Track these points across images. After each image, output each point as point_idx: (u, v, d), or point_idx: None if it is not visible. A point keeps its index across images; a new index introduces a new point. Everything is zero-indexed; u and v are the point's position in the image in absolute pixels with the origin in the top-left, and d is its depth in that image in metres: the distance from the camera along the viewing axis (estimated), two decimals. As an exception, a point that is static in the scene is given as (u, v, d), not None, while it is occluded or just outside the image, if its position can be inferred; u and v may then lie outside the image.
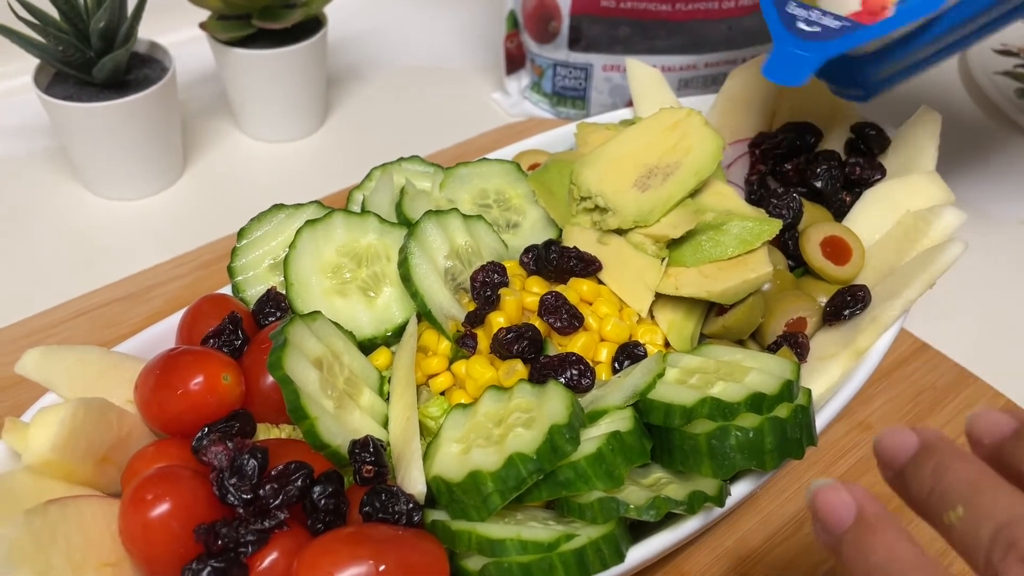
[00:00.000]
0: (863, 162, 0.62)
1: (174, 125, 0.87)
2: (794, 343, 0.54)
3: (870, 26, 0.51)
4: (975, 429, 0.36)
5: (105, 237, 0.83)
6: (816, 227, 0.58)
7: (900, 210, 0.59)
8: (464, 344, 0.53)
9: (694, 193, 0.57)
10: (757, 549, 0.60)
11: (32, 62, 0.83)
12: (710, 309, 0.57)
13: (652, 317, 0.56)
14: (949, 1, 0.51)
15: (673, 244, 0.56)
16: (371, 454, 0.44)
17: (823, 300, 0.57)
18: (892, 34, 0.53)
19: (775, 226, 0.55)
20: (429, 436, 0.50)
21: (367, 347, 0.53)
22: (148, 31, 0.85)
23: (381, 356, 0.54)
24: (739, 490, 0.47)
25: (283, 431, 0.49)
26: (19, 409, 0.64)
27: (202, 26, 0.87)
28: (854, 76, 0.60)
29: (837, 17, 0.51)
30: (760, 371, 0.48)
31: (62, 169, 0.90)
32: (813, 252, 0.58)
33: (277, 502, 0.41)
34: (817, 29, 0.51)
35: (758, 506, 0.62)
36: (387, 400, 0.51)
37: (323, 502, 0.42)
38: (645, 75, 0.66)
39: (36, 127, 0.94)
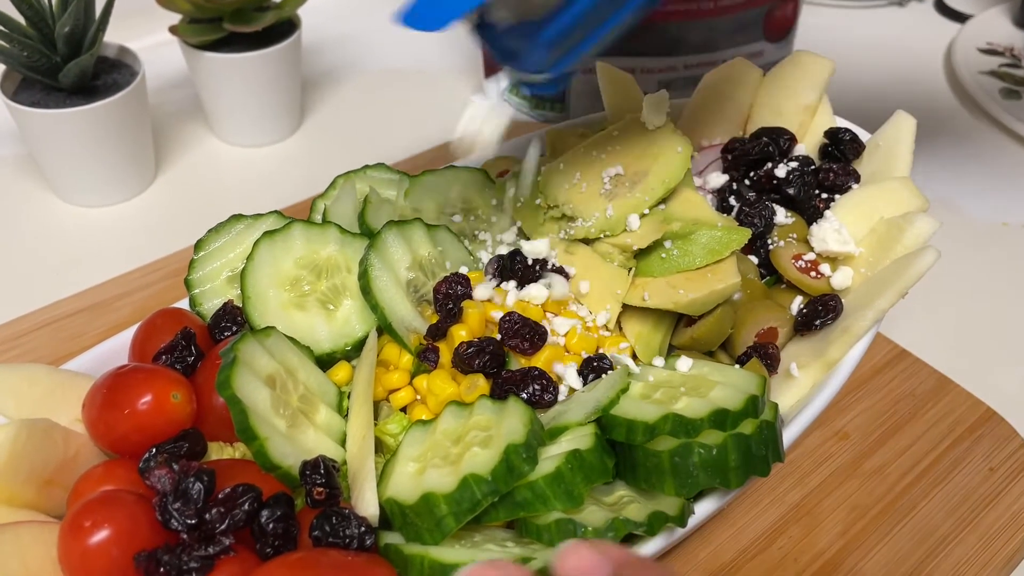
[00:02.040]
0: (837, 168, 0.60)
1: (144, 130, 0.86)
2: (764, 354, 0.53)
3: None
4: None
5: (75, 245, 0.82)
6: (789, 245, 0.58)
7: (874, 217, 0.58)
8: (426, 358, 0.52)
9: (662, 201, 0.56)
10: (729, 563, 0.59)
11: (-2, 68, 0.81)
12: (679, 320, 0.56)
13: (619, 328, 0.55)
14: None
15: (641, 254, 0.55)
16: (322, 475, 0.43)
17: (795, 309, 0.56)
18: None
19: (744, 235, 0.54)
20: (388, 453, 0.48)
21: (326, 362, 0.52)
22: (118, 36, 0.84)
23: (341, 371, 0.52)
24: (704, 508, 0.46)
25: (237, 450, 0.48)
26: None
27: (172, 30, 0.86)
28: (532, 55, 0.49)
29: None
30: (725, 385, 0.47)
31: (31, 176, 0.88)
32: (787, 265, 0.57)
33: (223, 527, 0.40)
34: None
35: (731, 519, 0.61)
36: (346, 417, 0.49)
37: (271, 526, 0.40)
38: (616, 79, 0.65)
39: (4, 133, 0.93)
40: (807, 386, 0.53)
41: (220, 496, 0.41)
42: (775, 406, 0.47)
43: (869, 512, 0.61)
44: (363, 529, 0.42)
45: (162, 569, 0.38)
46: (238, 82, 0.87)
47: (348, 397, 0.51)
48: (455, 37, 1.09)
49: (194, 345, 0.50)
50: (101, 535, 0.38)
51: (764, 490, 0.63)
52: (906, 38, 1.12)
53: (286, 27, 0.88)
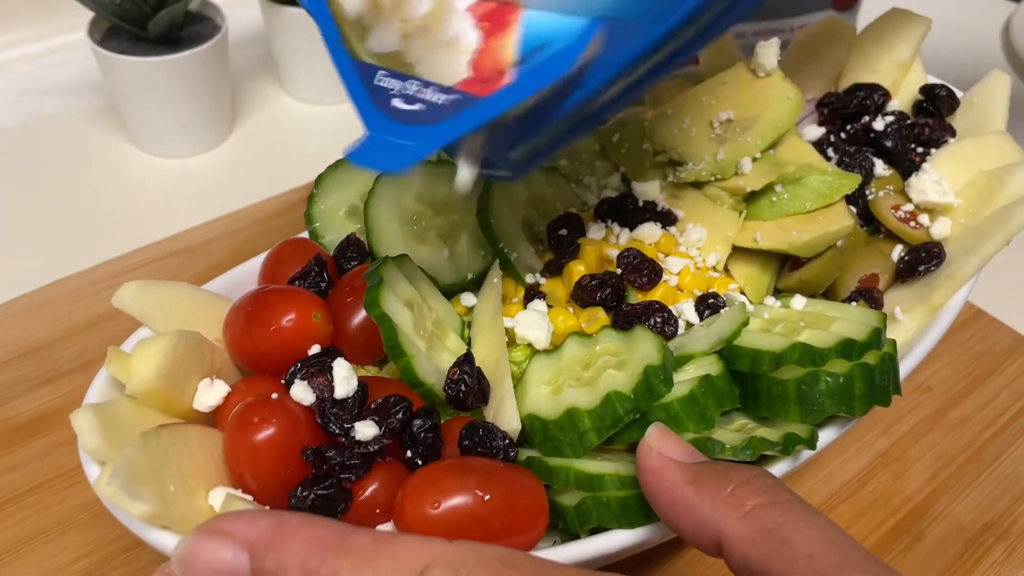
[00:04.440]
0: (932, 123, 0.62)
1: (224, 84, 0.87)
2: (869, 298, 0.55)
3: (487, 98, 0.36)
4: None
5: (154, 194, 0.83)
6: (888, 196, 0.59)
7: (972, 170, 0.59)
8: (542, 294, 0.53)
9: (771, 147, 0.57)
10: (820, 505, 0.60)
11: (83, 18, 0.83)
12: (782, 264, 0.57)
13: (726, 272, 0.56)
14: (582, 59, 0.36)
15: (751, 197, 0.56)
16: (468, 368, 0.44)
17: (896, 256, 0.57)
18: (520, 106, 0.37)
19: (854, 181, 0.55)
20: (513, 380, 0.50)
21: (447, 293, 0.54)
22: (200, -12, 0.85)
23: (458, 303, 0.54)
24: (825, 436, 0.47)
25: (369, 372, 0.49)
26: (93, 352, 0.65)
27: (254, -16, 0.87)
28: (492, 152, 0.42)
29: (443, 89, 0.37)
30: (846, 320, 0.48)
31: (110, 126, 0.90)
32: (888, 214, 0.58)
33: (379, 432, 0.41)
34: (419, 107, 0.38)
35: (820, 463, 0.63)
36: (469, 345, 0.51)
37: (423, 435, 0.42)
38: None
39: (85, 84, 0.94)
40: (912, 329, 0.54)
41: (372, 406, 0.42)
42: (893, 341, 0.48)
43: (955, 460, 0.63)
44: (507, 442, 0.43)
45: (325, 466, 0.40)
46: (312, 38, 0.89)
47: (469, 327, 0.52)
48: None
49: (326, 271, 0.51)
50: (268, 431, 0.40)
51: (851, 437, 0.64)
52: (963, 13, 1.13)
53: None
